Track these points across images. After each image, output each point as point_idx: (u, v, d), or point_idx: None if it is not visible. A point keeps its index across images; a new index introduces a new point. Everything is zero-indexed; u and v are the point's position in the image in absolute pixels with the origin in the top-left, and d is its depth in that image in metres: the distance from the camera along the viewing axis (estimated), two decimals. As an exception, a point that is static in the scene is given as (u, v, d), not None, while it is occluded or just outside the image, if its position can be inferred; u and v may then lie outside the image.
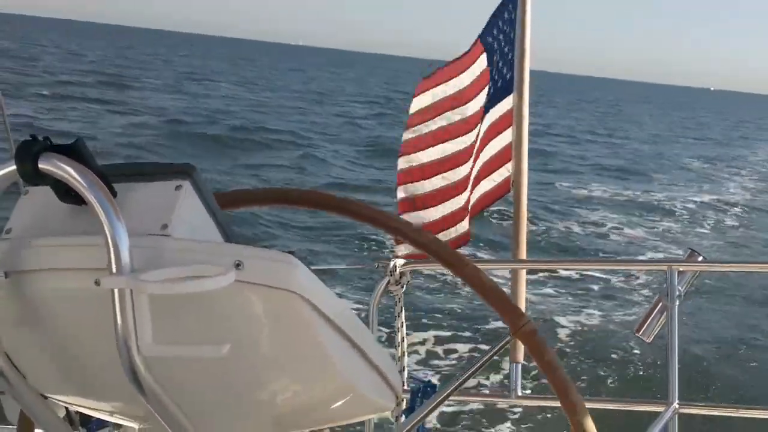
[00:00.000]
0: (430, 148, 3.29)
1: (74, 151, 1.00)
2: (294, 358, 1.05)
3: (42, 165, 0.99)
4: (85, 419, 1.38)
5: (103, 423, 1.42)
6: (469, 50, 3.42)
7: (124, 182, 1.06)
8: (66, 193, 1.02)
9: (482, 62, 3.42)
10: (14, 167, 1.01)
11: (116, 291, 0.97)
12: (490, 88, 3.53)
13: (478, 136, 3.46)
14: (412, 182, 3.27)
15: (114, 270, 0.96)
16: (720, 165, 36.10)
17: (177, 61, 74.94)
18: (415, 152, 3.27)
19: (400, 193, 3.25)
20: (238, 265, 0.97)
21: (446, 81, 3.32)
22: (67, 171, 0.98)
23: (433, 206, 3.32)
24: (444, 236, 3.31)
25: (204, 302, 0.99)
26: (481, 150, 3.53)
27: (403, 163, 3.25)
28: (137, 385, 1.01)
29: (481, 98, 3.42)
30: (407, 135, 3.27)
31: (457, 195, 3.43)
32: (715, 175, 31.93)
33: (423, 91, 3.29)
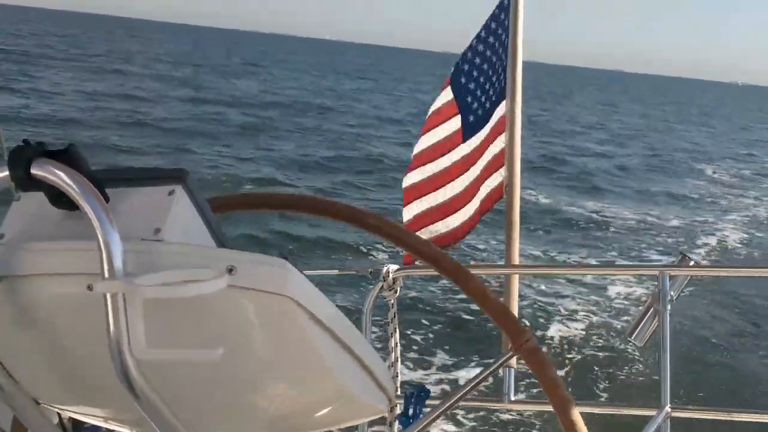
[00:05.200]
0: (429, 164, 3.59)
1: (67, 156, 1.00)
2: (287, 363, 1.05)
3: (35, 171, 0.99)
4: (77, 425, 1.37)
5: (96, 429, 1.42)
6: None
7: (117, 187, 1.06)
8: (59, 198, 1.02)
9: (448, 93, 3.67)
10: (7, 173, 1.01)
11: (109, 295, 0.96)
12: (482, 98, 3.66)
13: (468, 148, 3.71)
14: (418, 198, 3.57)
15: (107, 275, 0.96)
16: None
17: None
18: (418, 167, 3.59)
19: (410, 211, 3.56)
20: (230, 270, 0.97)
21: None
22: (60, 177, 0.98)
23: (440, 220, 3.59)
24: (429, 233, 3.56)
25: (197, 307, 0.99)
26: (477, 159, 3.65)
27: (407, 180, 3.58)
28: (130, 389, 1.01)
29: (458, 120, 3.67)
30: (415, 151, 3.59)
31: (457, 206, 3.63)
32: None
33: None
